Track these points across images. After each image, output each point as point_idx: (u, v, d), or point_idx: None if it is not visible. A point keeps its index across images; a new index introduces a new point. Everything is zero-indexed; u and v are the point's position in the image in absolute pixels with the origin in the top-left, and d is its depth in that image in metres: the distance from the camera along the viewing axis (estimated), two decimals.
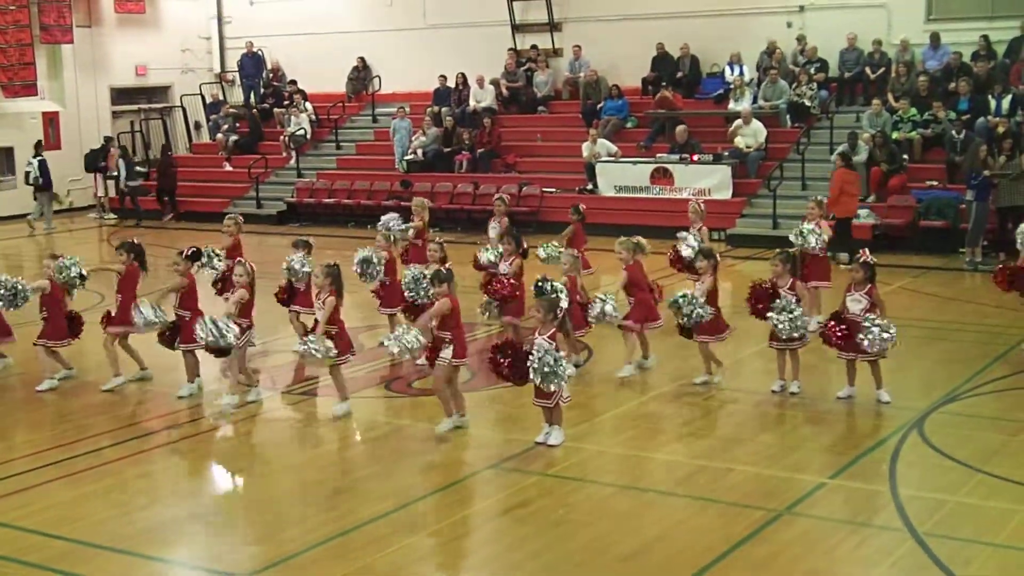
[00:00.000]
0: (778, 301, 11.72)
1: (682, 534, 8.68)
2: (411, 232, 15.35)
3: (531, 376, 10.27)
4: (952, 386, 12.16)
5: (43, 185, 27.71)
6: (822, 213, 15.11)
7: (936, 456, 10.18)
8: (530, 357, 10.23)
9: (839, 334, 11.45)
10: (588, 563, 8.18)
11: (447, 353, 10.93)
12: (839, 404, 11.74)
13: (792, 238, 14.20)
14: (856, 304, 11.50)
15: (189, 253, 12.60)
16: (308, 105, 30.18)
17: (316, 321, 11.70)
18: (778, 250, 12.02)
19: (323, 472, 10.39)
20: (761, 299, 12.08)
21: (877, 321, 11.23)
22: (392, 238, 14.64)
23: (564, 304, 11.02)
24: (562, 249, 14.37)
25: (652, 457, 10.58)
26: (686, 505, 9.25)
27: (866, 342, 11.19)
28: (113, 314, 12.78)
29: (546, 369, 10.18)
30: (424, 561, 8.52)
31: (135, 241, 13.14)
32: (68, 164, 30.02)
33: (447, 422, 11.04)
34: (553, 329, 10.51)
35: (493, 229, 16.23)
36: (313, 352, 11.25)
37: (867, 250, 11.94)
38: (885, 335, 11.18)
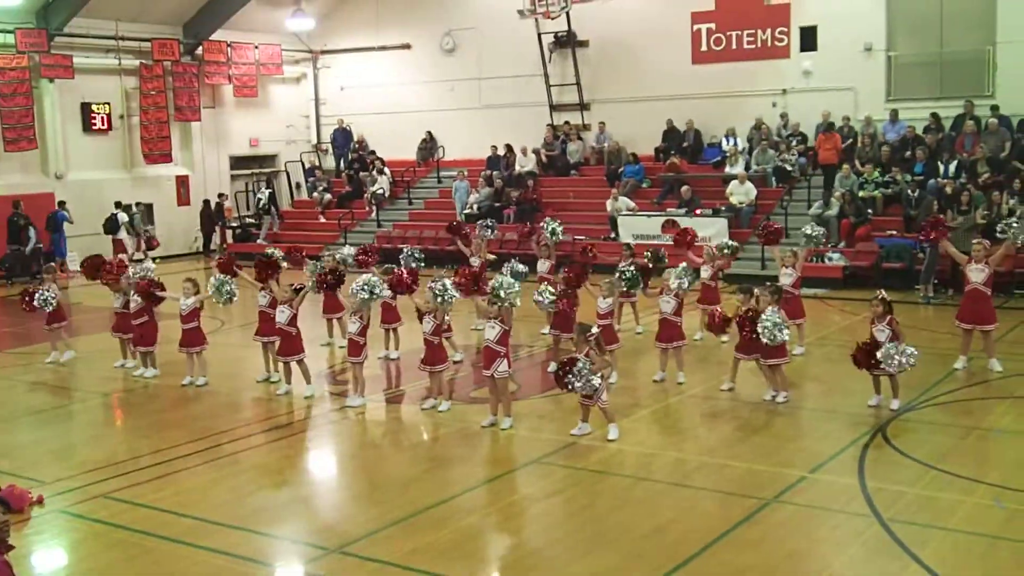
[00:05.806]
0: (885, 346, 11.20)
1: (691, 518, 8.61)
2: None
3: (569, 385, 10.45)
4: (911, 398, 11.97)
5: (268, 210, 29.99)
6: (795, 261, 14.62)
7: (897, 455, 10.03)
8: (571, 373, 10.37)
9: (863, 354, 11.28)
10: (617, 540, 8.12)
11: (504, 366, 11.14)
12: (817, 412, 11.61)
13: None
14: (881, 334, 11.42)
15: (297, 287, 13.18)
16: (387, 170, 30.38)
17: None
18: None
19: (399, 465, 10.39)
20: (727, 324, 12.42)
21: (899, 348, 11.09)
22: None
23: (595, 329, 11.04)
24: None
25: (664, 454, 10.48)
26: (693, 494, 9.17)
27: (888, 366, 11.10)
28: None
29: (579, 381, 10.33)
30: (479, 538, 8.48)
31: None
32: (196, 217, 30.51)
33: (507, 420, 11.23)
34: (587, 348, 10.62)
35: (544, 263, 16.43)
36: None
37: (883, 290, 11.93)
38: (903, 359, 11.06)
